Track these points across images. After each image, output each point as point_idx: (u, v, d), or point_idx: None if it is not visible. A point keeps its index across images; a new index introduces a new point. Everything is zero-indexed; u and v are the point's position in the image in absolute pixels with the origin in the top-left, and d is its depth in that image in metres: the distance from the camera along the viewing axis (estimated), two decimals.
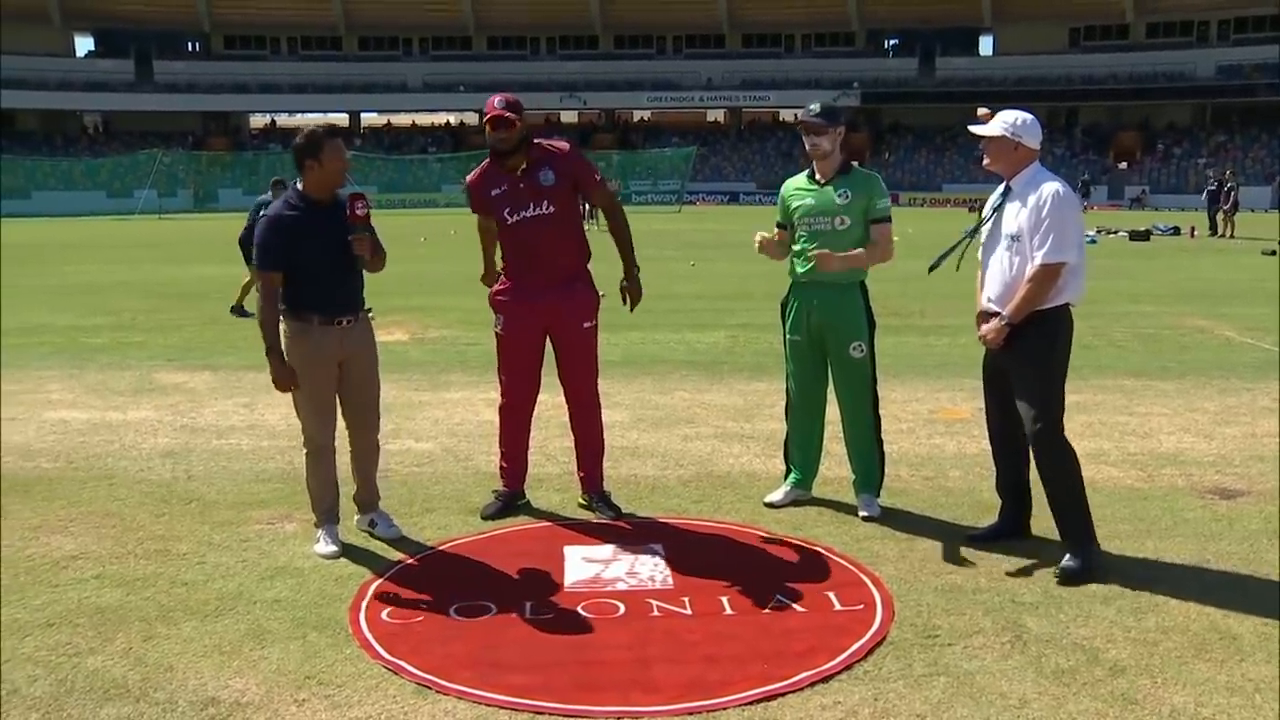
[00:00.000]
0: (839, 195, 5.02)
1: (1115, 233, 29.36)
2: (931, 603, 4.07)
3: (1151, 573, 4.35)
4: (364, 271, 4.73)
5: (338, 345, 4.61)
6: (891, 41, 70.34)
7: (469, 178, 5.11)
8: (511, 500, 5.22)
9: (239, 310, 12.86)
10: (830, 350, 5.11)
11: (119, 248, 27.17)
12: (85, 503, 5.37)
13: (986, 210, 4.61)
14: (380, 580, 4.32)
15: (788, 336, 5.24)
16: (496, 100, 4.83)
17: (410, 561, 4.56)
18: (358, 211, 4.52)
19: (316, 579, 4.34)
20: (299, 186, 4.59)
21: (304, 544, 4.74)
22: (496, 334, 5.14)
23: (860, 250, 5.02)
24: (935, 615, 3.95)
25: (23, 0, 62.02)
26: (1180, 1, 61.84)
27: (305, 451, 4.75)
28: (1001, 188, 4.52)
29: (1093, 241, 27.36)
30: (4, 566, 4.48)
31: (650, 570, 4.39)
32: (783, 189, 5.30)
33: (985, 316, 4.53)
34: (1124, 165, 59.21)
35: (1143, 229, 29.47)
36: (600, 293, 5.18)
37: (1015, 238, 4.36)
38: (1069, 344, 4.44)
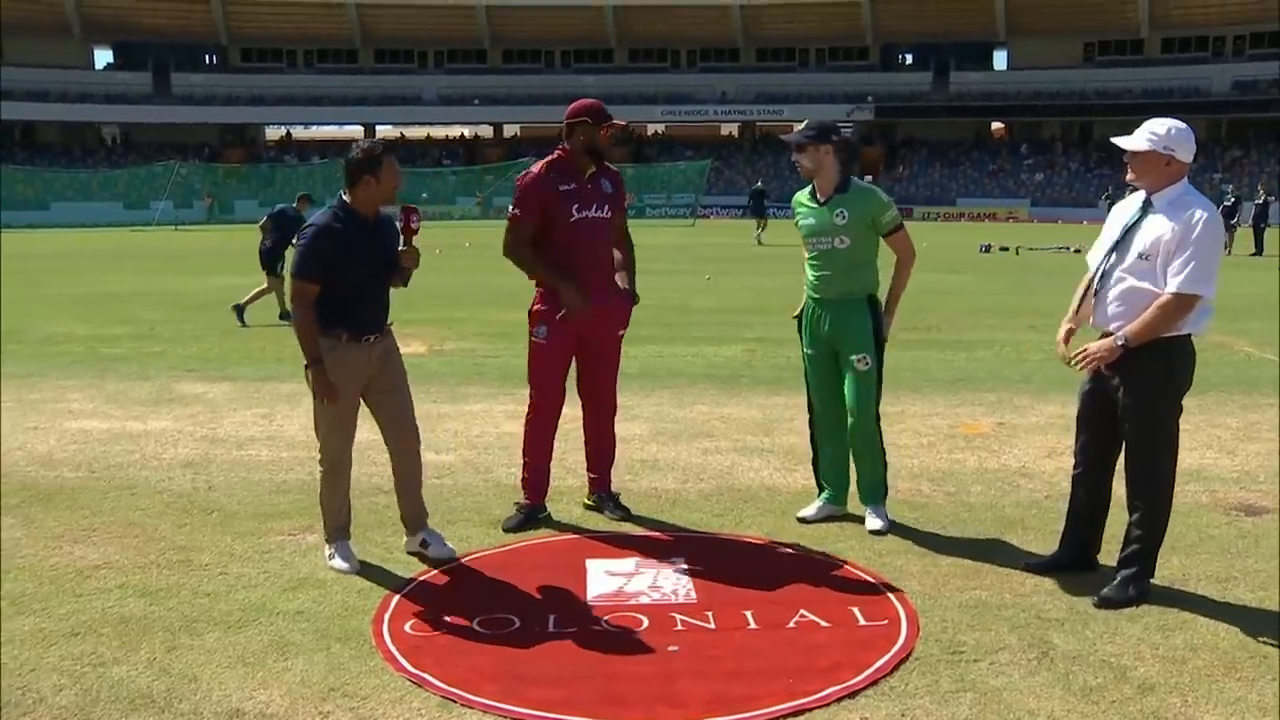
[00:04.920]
0: (836, 215, 5.03)
1: None
2: (956, 618, 4.04)
3: (1178, 590, 4.31)
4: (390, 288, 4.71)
5: (364, 362, 4.56)
6: (905, 55, 70.37)
7: (533, 173, 5.11)
8: (533, 513, 5.23)
9: (239, 310, 13.00)
10: (841, 360, 5.13)
11: (137, 258, 27.32)
12: (107, 512, 5.38)
13: (1116, 226, 4.22)
14: (403, 593, 4.32)
15: (805, 351, 5.26)
16: (605, 106, 5.11)
17: (432, 574, 4.55)
18: (413, 225, 4.57)
19: (339, 591, 4.34)
20: (345, 199, 4.52)
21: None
22: (537, 343, 5.16)
23: (897, 295, 5.12)
24: (960, 631, 3.93)
25: (43, 14, 62.65)
26: (1195, 16, 61.75)
27: (321, 469, 4.68)
28: (1139, 201, 4.18)
29: None
30: (28, 575, 4.49)
31: (673, 584, 4.38)
32: (792, 202, 5.33)
33: (1073, 332, 4.23)
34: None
35: None
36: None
37: (1146, 257, 4.04)
38: (1189, 378, 4.18)
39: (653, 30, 68.17)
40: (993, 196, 60.77)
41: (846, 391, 5.15)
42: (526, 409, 5.30)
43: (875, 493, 5.20)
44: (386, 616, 4.05)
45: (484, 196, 55.17)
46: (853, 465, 5.27)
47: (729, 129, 73.38)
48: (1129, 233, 4.17)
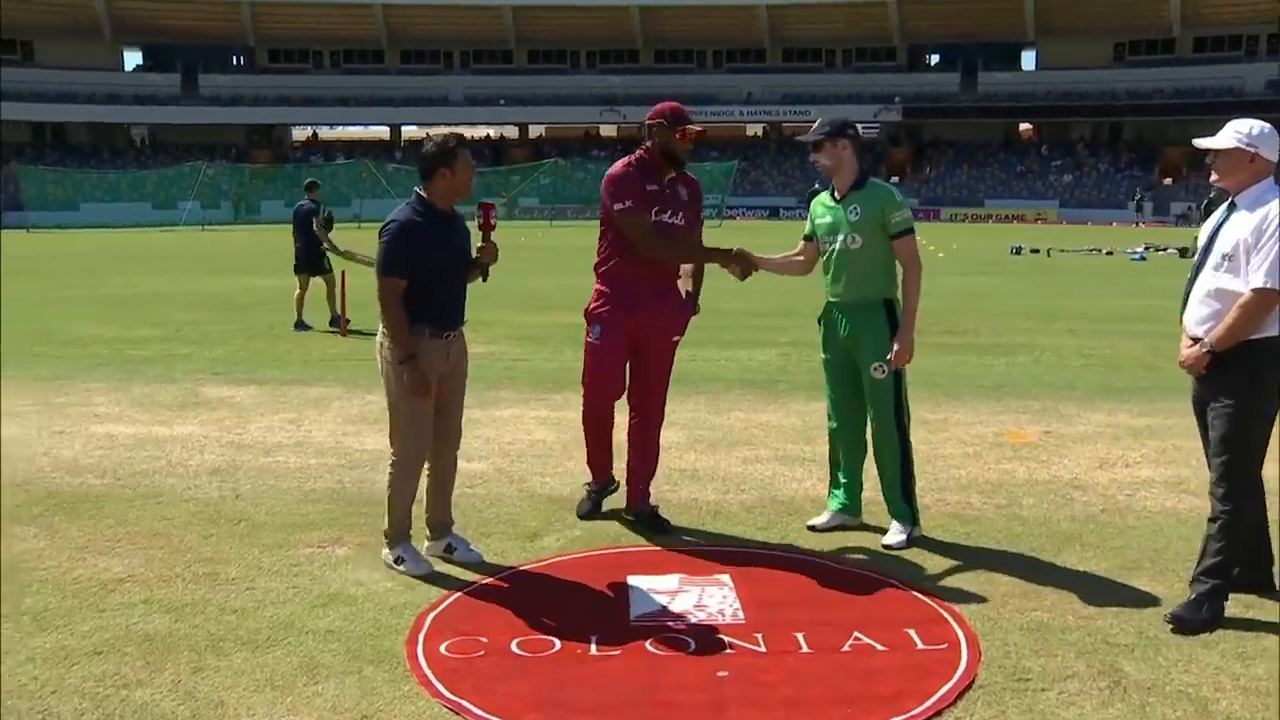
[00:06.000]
0: (850, 212, 4.89)
1: (1165, 249, 28.80)
2: (1019, 642, 3.83)
3: (1252, 612, 4.09)
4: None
5: (444, 359, 4.53)
6: (933, 56, 69.85)
7: (623, 170, 5.03)
8: (602, 492, 5.29)
9: (301, 325, 12.63)
10: (860, 368, 4.96)
11: (164, 259, 27.35)
12: (132, 522, 5.24)
13: (1204, 234, 4.15)
14: (437, 611, 4.13)
15: (822, 356, 5.12)
16: (685, 110, 5.09)
17: (467, 591, 4.37)
18: (491, 221, 4.62)
19: (370, 608, 4.16)
20: (422, 194, 4.48)
21: (355, 570, 4.57)
22: (590, 344, 5.10)
23: (910, 310, 4.86)
24: (1024, 656, 3.72)
25: (75, 16, 63.10)
26: (1228, 15, 60.90)
27: (394, 470, 4.58)
28: (1224, 207, 4.11)
29: (1142, 258, 26.88)
30: (51, 589, 4.35)
31: (719, 603, 4.18)
32: (812, 203, 5.23)
33: (1191, 339, 4.12)
34: (1169, 181, 58.33)
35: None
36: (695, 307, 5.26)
37: (1229, 256, 3.93)
38: (1278, 381, 3.99)
39: (679, 31, 67.91)
40: (1021, 198, 60.18)
41: (867, 403, 4.99)
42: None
43: (894, 502, 4.99)
44: (421, 637, 3.87)
45: (510, 196, 55.05)
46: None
47: (755, 130, 73.02)
48: (1215, 235, 4.06)
